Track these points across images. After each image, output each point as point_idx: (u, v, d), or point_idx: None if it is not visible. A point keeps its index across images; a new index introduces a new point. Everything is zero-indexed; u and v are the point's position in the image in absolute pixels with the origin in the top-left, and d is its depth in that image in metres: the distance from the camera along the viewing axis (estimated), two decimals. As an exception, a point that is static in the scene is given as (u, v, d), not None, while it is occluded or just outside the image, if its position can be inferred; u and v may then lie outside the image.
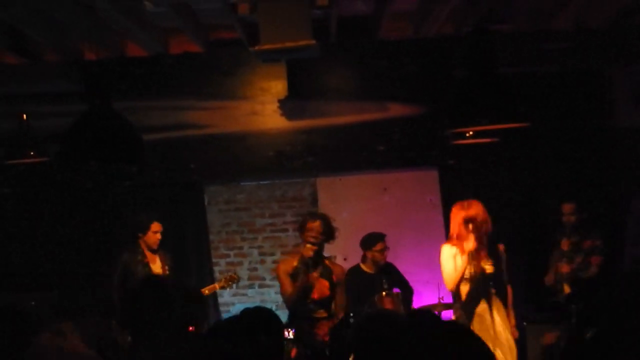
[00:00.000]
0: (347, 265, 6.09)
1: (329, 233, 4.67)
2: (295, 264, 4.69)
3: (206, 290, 5.38)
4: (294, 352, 4.44)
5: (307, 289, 4.63)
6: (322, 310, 4.68)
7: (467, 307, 4.50)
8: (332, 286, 4.70)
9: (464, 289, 4.54)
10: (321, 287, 4.67)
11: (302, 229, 4.68)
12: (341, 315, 4.67)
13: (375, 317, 3.05)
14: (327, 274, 4.72)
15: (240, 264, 6.76)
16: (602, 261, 5.29)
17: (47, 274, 6.14)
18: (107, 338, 3.44)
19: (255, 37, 4.41)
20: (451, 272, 4.53)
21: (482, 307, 4.47)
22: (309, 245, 4.58)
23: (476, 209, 4.47)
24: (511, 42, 5.45)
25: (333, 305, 4.75)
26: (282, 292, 4.76)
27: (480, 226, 4.42)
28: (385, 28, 5.45)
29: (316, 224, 4.61)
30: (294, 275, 4.65)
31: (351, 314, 4.51)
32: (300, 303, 4.63)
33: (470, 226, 4.40)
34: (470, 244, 4.42)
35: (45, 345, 2.96)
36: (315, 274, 4.66)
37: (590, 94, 6.21)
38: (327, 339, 4.57)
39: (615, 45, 5.66)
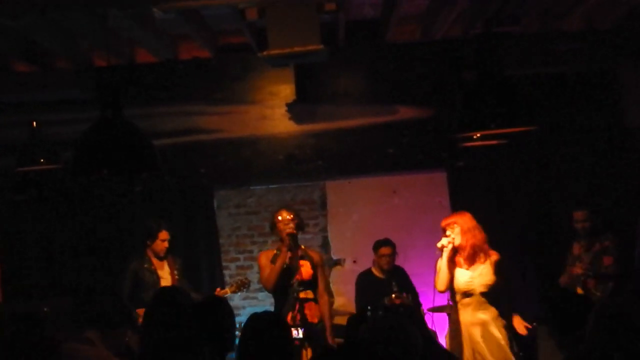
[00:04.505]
0: (356, 268, 6.13)
1: (299, 219, 4.92)
2: (275, 251, 4.90)
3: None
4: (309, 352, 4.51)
5: (292, 270, 4.80)
6: (308, 291, 4.85)
7: (456, 321, 4.52)
8: (314, 267, 4.92)
9: (460, 300, 4.52)
10: (305, 268, 4.84)
11: (272, 225, 4.94)
12: (325, 297, 4.92)
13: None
14: (307, 257, 4.93)
15: (251, 267, 6.78)
16: (614, 261, 5.29)
17: (60, 280, 6.18)
18: (129, 346, 3.49)
19: (264, 42, 4.44)
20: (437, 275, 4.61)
21: (476, 319, 4.44)
22: (288, 230, 4.80)
23: (455, 218, 4.59)
24: (520, 43, 5.45)
25: (320, 287, 4.93)
26: (262, 277, 4.93)
27: (461, 233, 4.49)
28: (393, 31, 5.47)
29: (282, 213, 4.87)
30: (274, 261, 4.84)
31: (369, 307, 4.53)
32: (285, 285, 4.79)
33: (447, 232, 4.54)
34: (443, 241, 4.50)
35: (73, 352, 2.99)
36: (296, 255, 4.82)
37: (600, 94, 6.18)
38: (316, 320, 4.81)
39: (625, 45, 5.64)
